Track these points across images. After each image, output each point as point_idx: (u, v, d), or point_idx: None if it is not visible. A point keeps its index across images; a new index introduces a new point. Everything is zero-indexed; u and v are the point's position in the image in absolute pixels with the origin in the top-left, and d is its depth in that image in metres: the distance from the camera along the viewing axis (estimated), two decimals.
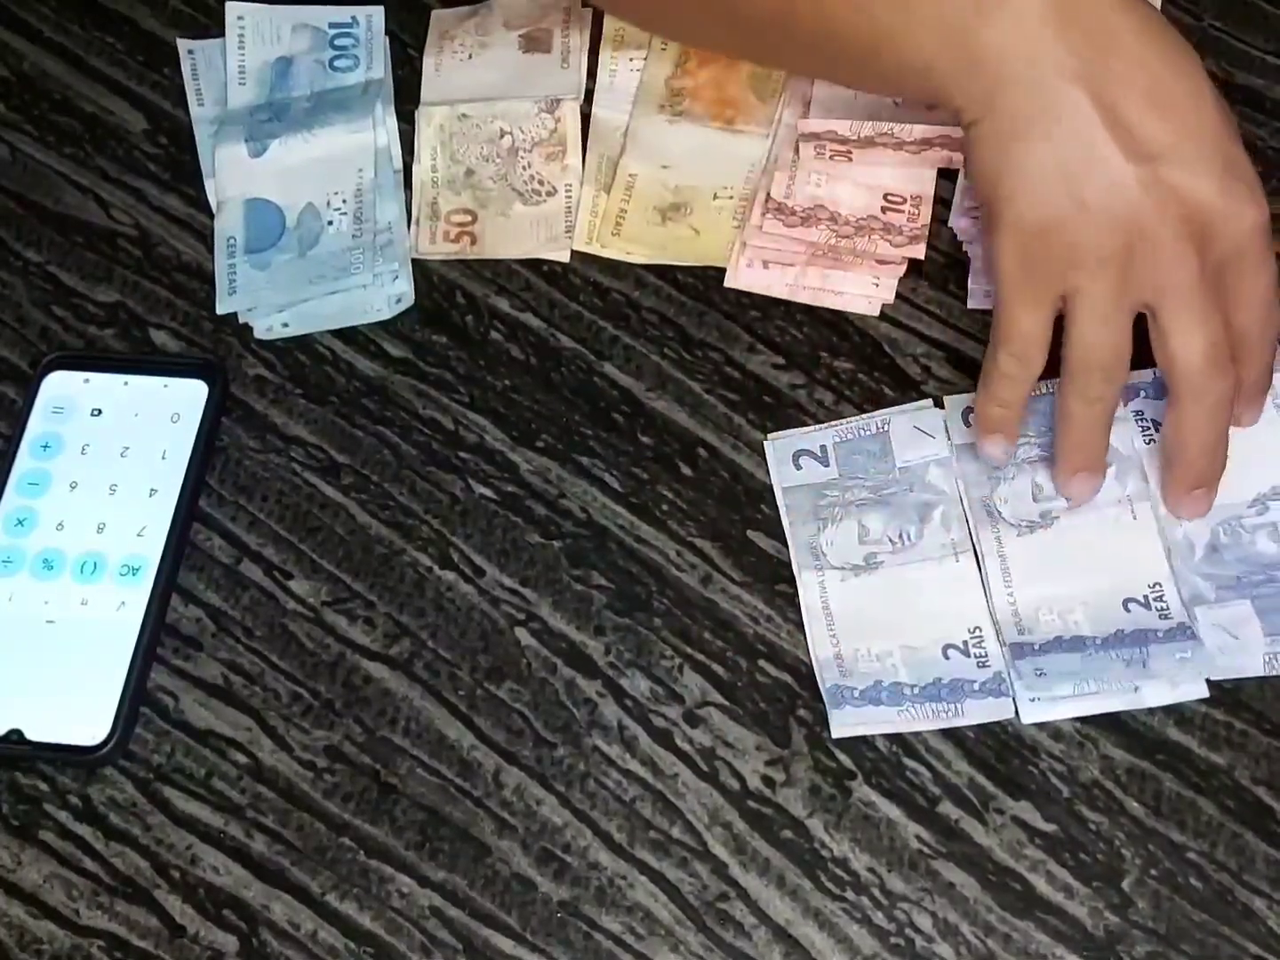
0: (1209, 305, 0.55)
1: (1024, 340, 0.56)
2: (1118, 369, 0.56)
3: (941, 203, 0.66)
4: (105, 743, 0.57)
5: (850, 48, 0.57)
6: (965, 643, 0.57)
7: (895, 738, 0.57)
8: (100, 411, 0.63)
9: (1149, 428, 0.60)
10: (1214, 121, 0.54)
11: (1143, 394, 0.60)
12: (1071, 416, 0.57)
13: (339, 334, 0.65)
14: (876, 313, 0.64)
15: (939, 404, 0.62)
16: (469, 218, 0.67)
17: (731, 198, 0.66)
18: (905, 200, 0.65)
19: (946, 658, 0.57)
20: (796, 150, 0.66)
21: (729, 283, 0.65)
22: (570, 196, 0.67)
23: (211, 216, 0.68)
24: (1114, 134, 0.53)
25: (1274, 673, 0.56)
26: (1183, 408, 0.56)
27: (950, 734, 0.57)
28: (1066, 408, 0.57)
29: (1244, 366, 0.57)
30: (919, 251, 0.64)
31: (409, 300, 0.66)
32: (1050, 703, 0.56)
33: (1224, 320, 0.55)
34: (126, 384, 0.64)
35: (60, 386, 0.64)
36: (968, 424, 0.61)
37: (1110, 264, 0.54)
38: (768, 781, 0.57)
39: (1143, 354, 0.63)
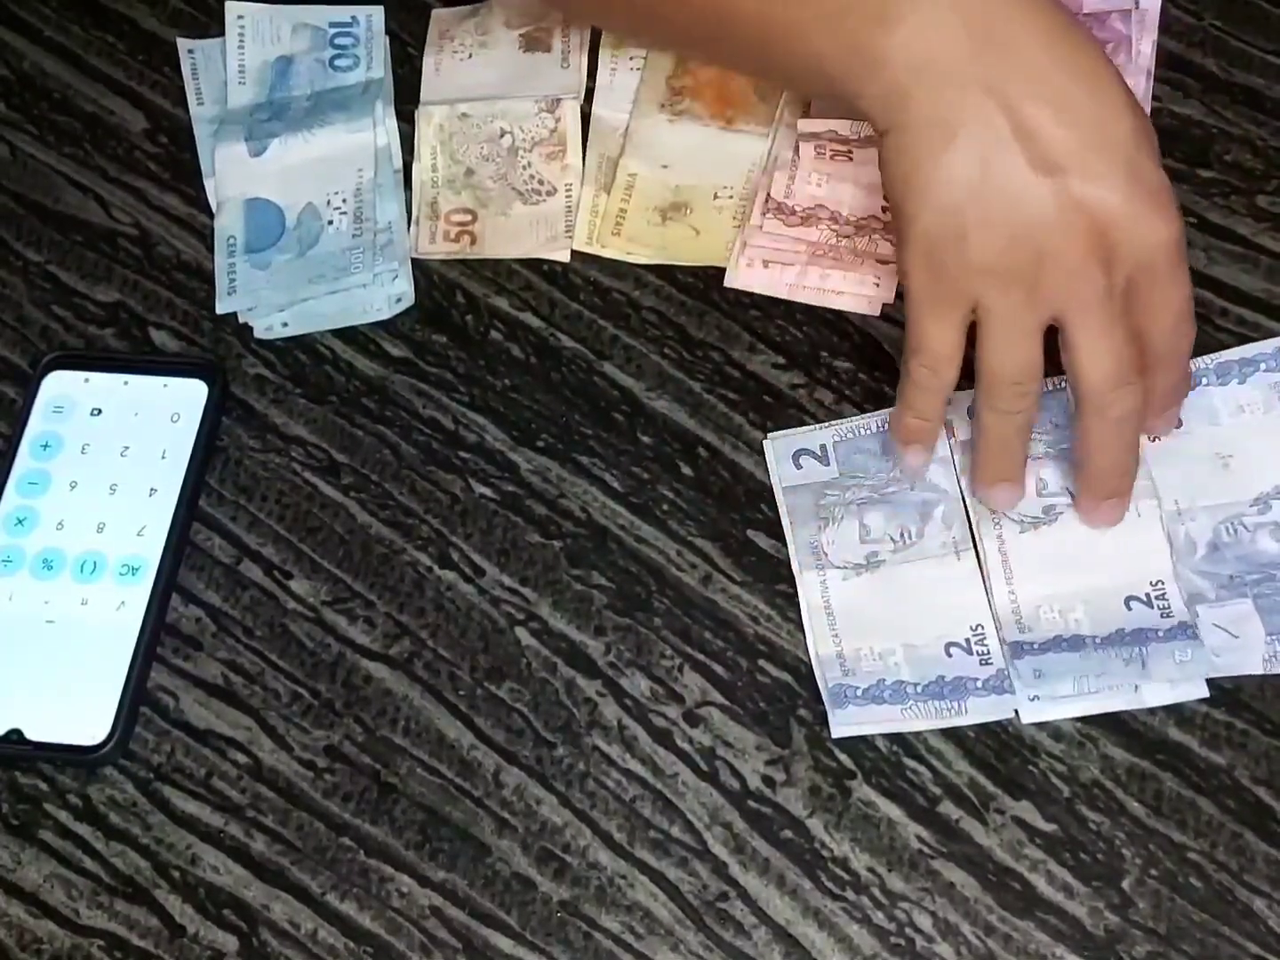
0: (1114, 321, 0.54)
1: (934, 352, 0.56)
2: (1028, 382, 0.55)
3: None
4: (105, 742, 0.57)
5: (749, 37, 0.57)
6: (967, 640, 0.57)
7: (895, 737, 0.57)
8: (100, 411, 0.63)
9: None
10: (1123, 132, 0.53)
11: None
12: (986, 429, 0.57)
13: (339, 334, 0.65)
14: (877, 312, 0.64)
15: None
16: (469, 217, 0.67)
17: (732, 197, 0.66)
18: None
19: (949, 655, 0.57)
20: (797, 150, 0.66)
21: (729, 283, 0.65)
22: (570, 196, 0.67)
23: (211, 216, 0.68)
24: (1020, 144, 0.52)
25: (1274, 671, 0.56)
26: (1087, 421, 0.56)
27: (950, 733, 0.57)
28: (981, 420, 0.57)
29: (1154, 377, 0.56)
30: None
31: (409, 300, 0.66)
32: (1050, 702, 0.56)
33: (1133, 334, 0.54)
34: (126, 384, 0.64)
35: (60, 386, 0.64)
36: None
37: (1016, 277, 0.53)
38: (768, 781, 0.57)
39: None
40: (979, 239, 0.53)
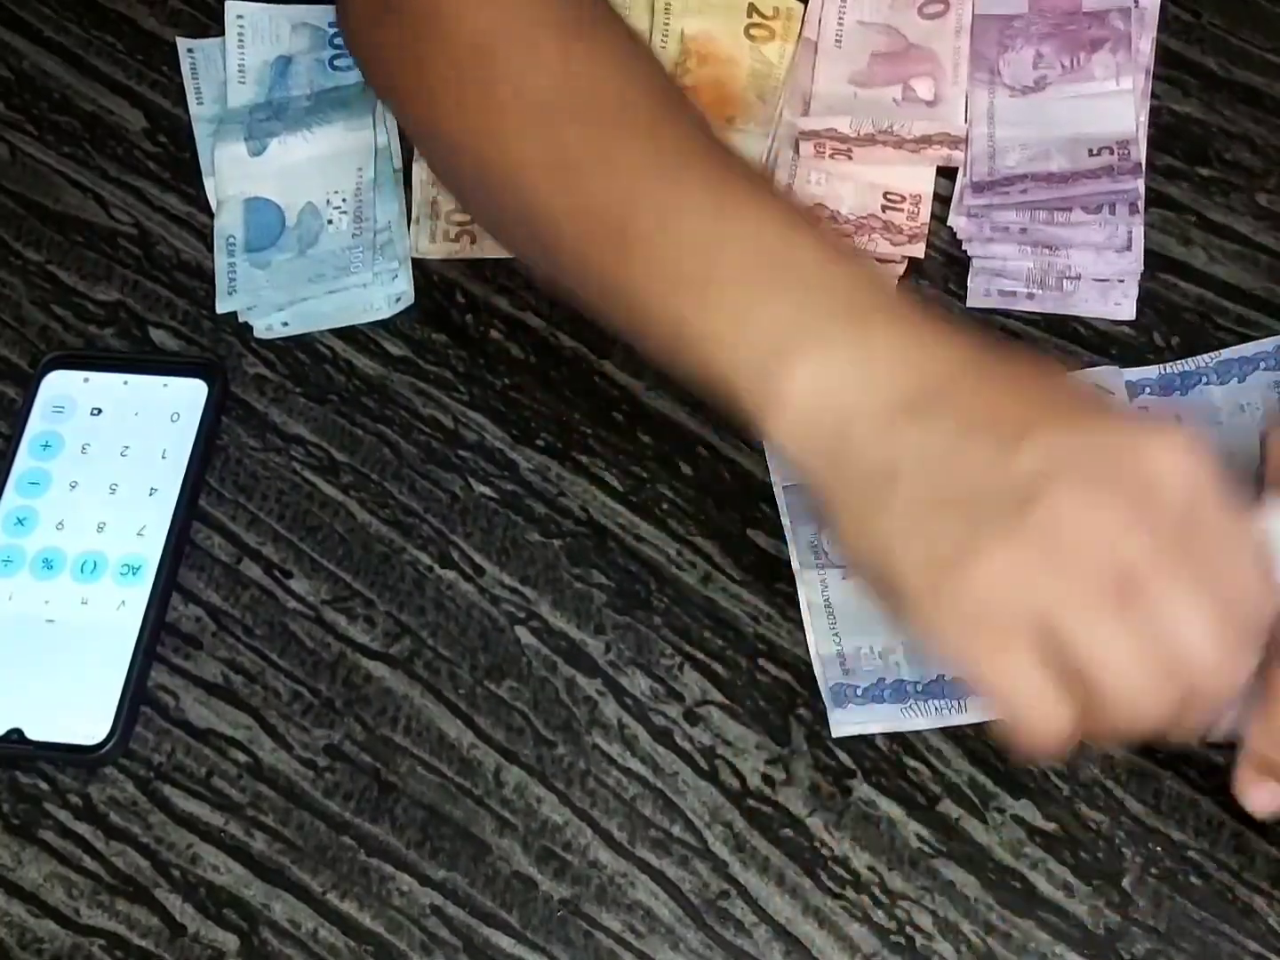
0: (1197, 585, 0.43)
1: (1027, 708, 0.44)
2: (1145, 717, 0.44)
3: (940, 201, 0.66)
4: (105, 742, 0.57)
5: (662, 338, 0.51)
6: None
7: (895, 736, 0.57)
8: (100, 411, 0.63)
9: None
10: (1065, 388, 0.46)
11: (1146, 390, 0.60)
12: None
13: (339, 333, 0.65)
14: None
15: None
16: (468, 216, 0.67)
17: None
18: (905, 199, 0.65)
19: None
20: (796, 149, 0.66)
21: None
22: None
23: (211, 215, 0.68)
24: (977, 439, 0.44)
25: None
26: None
27: (950, 732, 0.57)
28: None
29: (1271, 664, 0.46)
30: (919, 250, 0.64)
31: (409, 299, 0.66)
32: None
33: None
34: (126, 383, 0.64)
35: (60, 386, 0.64)
36: None
37: (1069, 567, 0.43)
38: (768, 780, 0.57)
39: (1151, 352, 0.63)
40: (988, 559, 0.43)
